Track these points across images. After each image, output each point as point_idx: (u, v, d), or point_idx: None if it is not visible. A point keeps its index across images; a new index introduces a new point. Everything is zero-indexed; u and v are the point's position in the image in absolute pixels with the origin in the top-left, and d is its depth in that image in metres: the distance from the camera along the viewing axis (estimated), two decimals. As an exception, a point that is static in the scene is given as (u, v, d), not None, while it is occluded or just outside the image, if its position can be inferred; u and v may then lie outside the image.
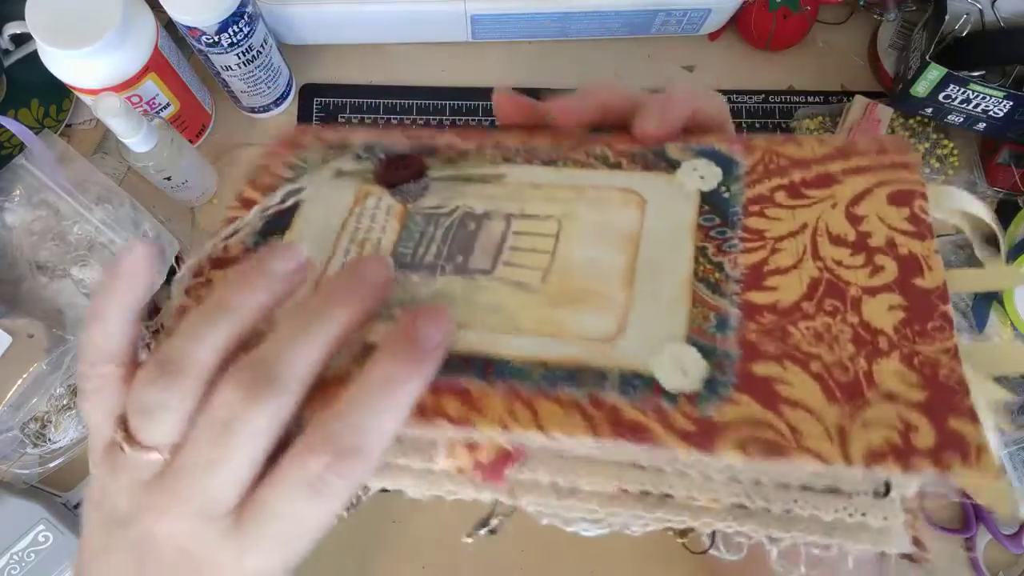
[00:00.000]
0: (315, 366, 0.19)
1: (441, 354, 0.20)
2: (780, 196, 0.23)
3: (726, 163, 0.24)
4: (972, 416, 0.18)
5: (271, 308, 0.21)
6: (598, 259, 0.22)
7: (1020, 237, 0.56)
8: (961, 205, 0.24)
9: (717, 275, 0.21)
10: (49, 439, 0.51)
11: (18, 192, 0.51)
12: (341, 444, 0.18)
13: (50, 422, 0.51)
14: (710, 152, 0.25)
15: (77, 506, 0.53)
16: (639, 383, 0.19)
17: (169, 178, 0.53)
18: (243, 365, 0.19)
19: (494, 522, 0.23)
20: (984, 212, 0.24)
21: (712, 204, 0.23)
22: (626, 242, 0.22)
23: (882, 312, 0.20)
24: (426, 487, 0.22)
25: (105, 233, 0.51)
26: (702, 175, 0.24)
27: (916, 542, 0.20)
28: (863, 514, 0.19)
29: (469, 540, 0.23)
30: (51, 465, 0.51)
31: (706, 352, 0.20)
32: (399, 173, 0.25)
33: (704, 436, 0.18)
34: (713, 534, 0.21)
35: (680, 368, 0.19)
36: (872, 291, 0.20)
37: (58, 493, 0.52)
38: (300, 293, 0.22)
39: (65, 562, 0.51)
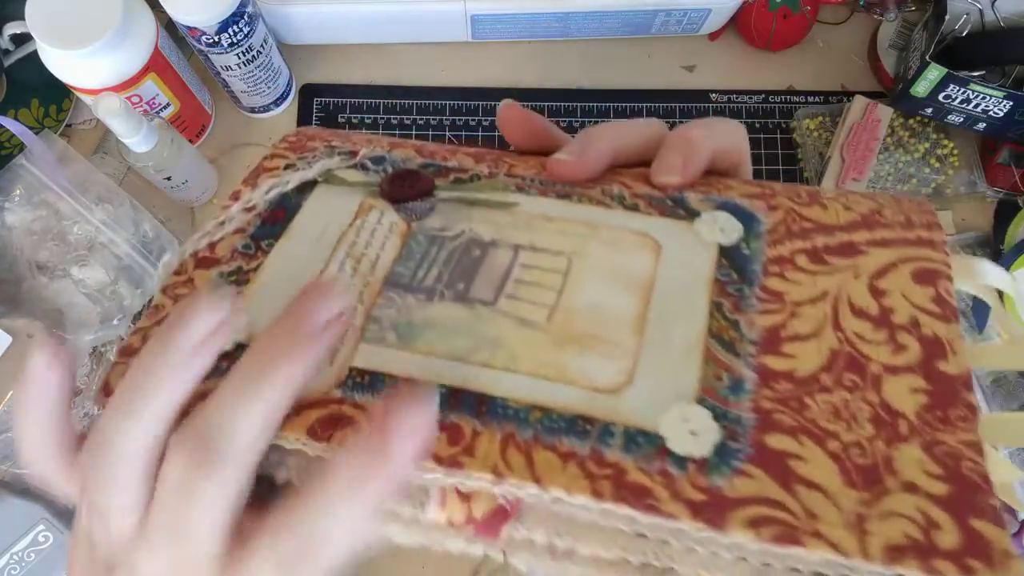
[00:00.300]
0: (265, 432, 0.18)
1: (330, 338, 0.19)
2: (802, 260, 0.22)
3: (747, 219, 0.23)
4: (997, 518, 0.17)
5: (198, 380, 0.19)
6: (608, 302, 0.21)
7: (1020, 237, 0.56)
8: (987, 280, 0.23)
9: (732, 334, 0.20)
10: (49, 439, 0.51)
11: (18, 192, 0.51)
12: (202, 446, 0.17)
13: (50, 422, 0.51)
14: (732, 206, 0.23)
15: (77, 506, 0.53)
16: (644, 442, 0.18)
17: (169, 178, 0.53)
18: (185, 434, 0.18)
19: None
20: (1008, 284, 0.24)
21: (731, 259, 0.22)
22: (638, 288, 0.21)
23: (904, 394, 0.19)
24: (415, 536, 0.20)
25: (105, 233, 0.51)
26: (722, 228, 0.23)
27: None
28: None
29: None
30: (51, 465, 0.51)
31: (717, 415, 0.18)
32: (407, 190, 0.24)
33: (714, 510, 0.17)
34: None
35: (690, 430, 0.18)
36: (894, 370, 0.19)
37: (58, 493, 0.52)
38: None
39: (65, 562, 0.51)
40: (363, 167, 0.25)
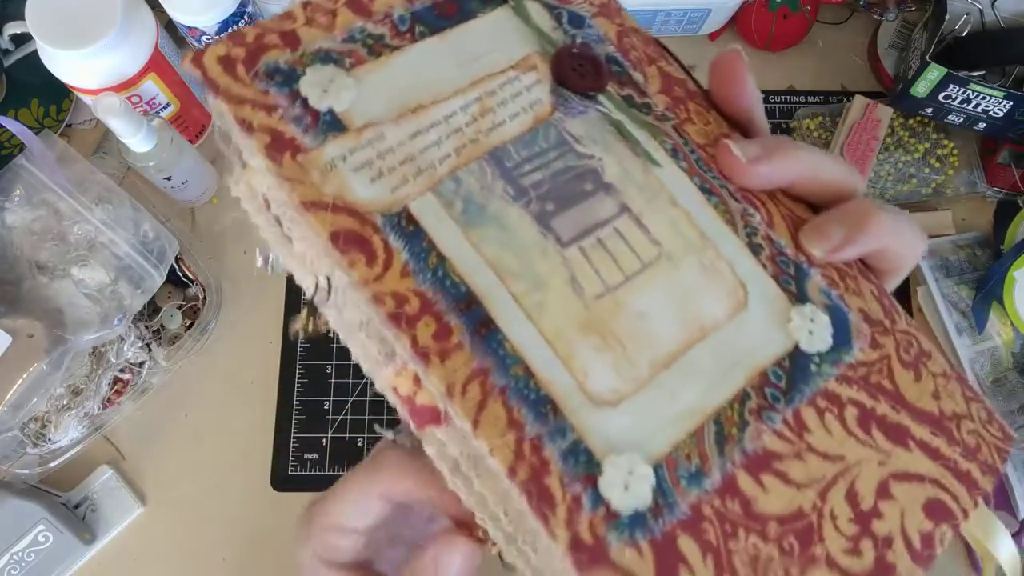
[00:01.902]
0: None
1: None
2: (850, 414, 0.20)
3: (842, 341, 0.21)
4: None
5: None
6: (658, 322, 0.19)
7: (1020, 237, 0.56)
8: (997, 551, 0.22)
9: (733, 432, 0.19)
10: (49, 439, 0.51)
11: (18, 192, 0.51)
12: None
13: (50, 422, 0.51)
14: (840, 318, 0.21)
15: (77, 506, 0.53)
16: (582, 462, 0.17)
17: (169, 178, 0.53)
18: None
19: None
20: (1011, 566, 0.23)
21: (793, 365, 0.20)
22: (695, 328, 0.20)
23: None
24: (365, 364, 0.20)
25: (105, 233, 0.51)
26: (812, 331, 0.20)
27: None
28: None
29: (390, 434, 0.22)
30: (51, 465, 0.51)
31: (660, 487, 0.18)
32: (576, 79, 0.21)
33: (589, 558, 0.16)
34: None
35: (626, 483, 0.17)
36: (832, 565, 0.19)
37: (58, 493, 0.52)
38: None
39: (65, 562, 0.51)
40: (558, 16, 0.22)
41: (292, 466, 0.54)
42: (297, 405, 0.55)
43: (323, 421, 0.55)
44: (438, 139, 0.20)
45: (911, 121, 0.60)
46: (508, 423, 0.17)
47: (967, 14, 0.56)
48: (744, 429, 0.19)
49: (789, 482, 0.19)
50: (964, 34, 0.56)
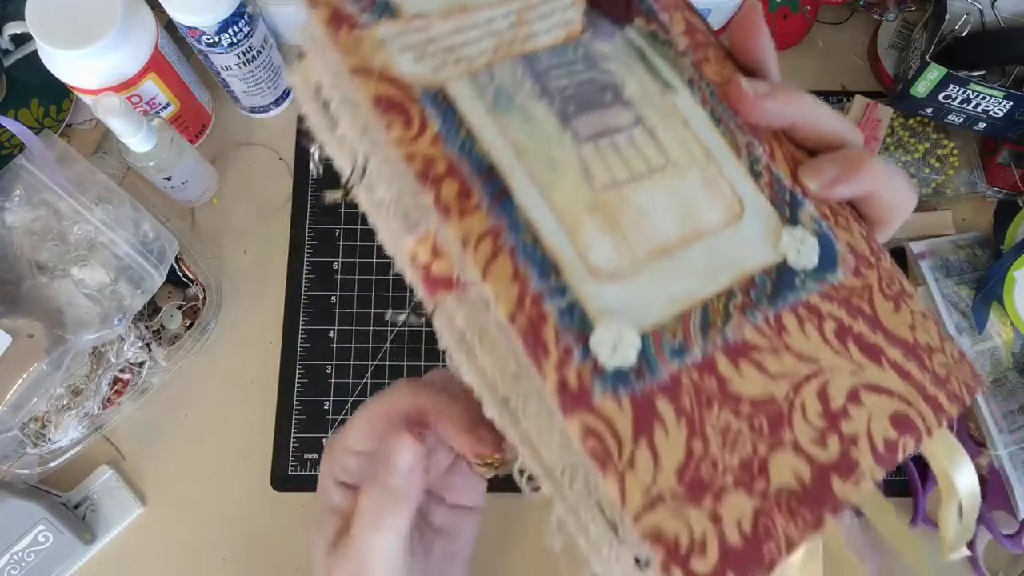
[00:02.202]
0: None
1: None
2: (828, 327, 0.22)
3: (827, 263, 0.23)
4: None
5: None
6: (658, 217, 0.21)
7: (1020, 237, 0.56)
8: (957, 477, 0.23)
9: (718, 322, 0.21)
10: (49, 439, 0.51)
11: (18, 192, 0.51)
12: None
13: (50, 422, 0.51)
14: (827, 244, 0.23)
15: (77, 506, 0.53)
16: (577, 320, 0.19)
17: (169, 178, 0.53)
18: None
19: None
20: (969, 499, 0.23)
21: (779, 277, 0.22)
22: (691, 230, 0.21)
23: (784, 467, 0.20)
24: (388, 241, 0.22)
25: (105, 233, 0.51)
26: (800, 250, 0.22)
27: None
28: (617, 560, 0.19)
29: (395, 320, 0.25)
30: (51, 465, 0.51)
31: (646, 355, 0.19)
32: (609, 7, 0.23)
33: (572, 399, 0.18)
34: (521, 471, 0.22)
35: (615, 343, 0.19)
36: (797, 449, 0.20)
37: (58, 493, 0.52)
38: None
39: (65, 562, 0.51)
40: None
41: (292, 466, 0.54)
42: (297, 405, 0.55)
43: (323, 421, 0.55)
44: (478, 37, 0.22)
45: (911, 121, 0.60)
46: (513, 277, 0.19)
47: (967, 14, 0.56)
48: (727, 320, 0.21)
49: (764, 371, 0.21)
50: (964, 34, 0.56)
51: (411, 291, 0.24)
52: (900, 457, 0.21)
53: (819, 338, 0.22)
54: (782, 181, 0.23)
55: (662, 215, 0.21)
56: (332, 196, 0.23)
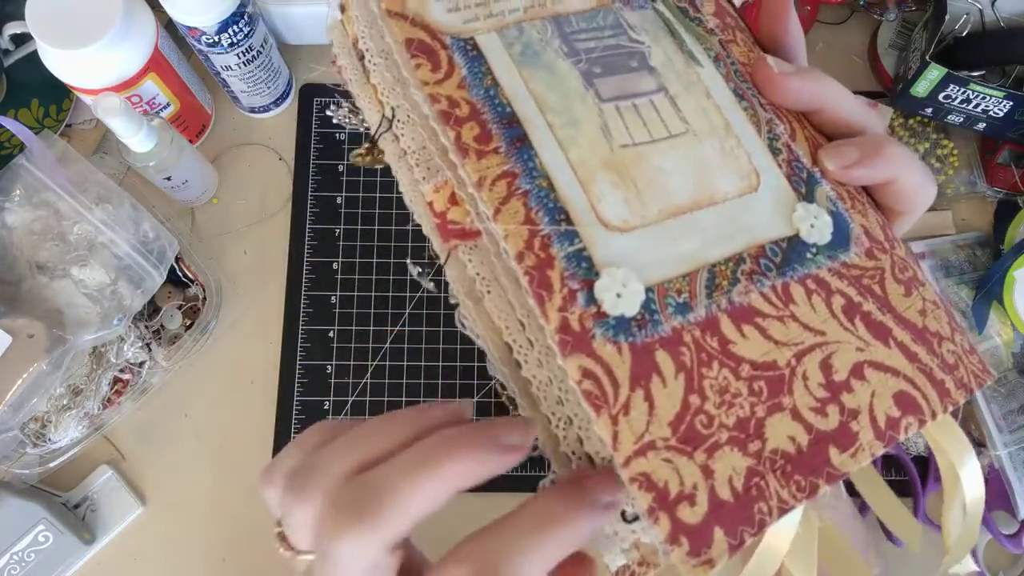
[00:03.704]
0: (421, 508, 0.18)
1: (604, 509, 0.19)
2: (836, 302, 0.22)
3: (840, 242, 0.22)
4: (742, 535, 0.18)
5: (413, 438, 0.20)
6: (674, 177, 0.22)
7: (1020, 237, 0.56)
8: (962, 468, 0.23)
9: (724, 285, 0.21)
10: (49, 439, 0.51)
11: (18, 192, 0.51)
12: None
13: (50, 422, 0.51)
14: (842, 224, 0.23)
15: (77, 506, 0.53)
16: (583, 266, 0.19)
17: (169, 178, 0.53)
18: (350, 486, 0.19)
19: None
20: (974, 498, 0.23)
21: (790, 249, 0.22)
22: (706, 195, 0.22)
23: (779, 431, 0.20)
24: (408, 189, 0.22)
25: (105, 233, 0.51)
26: (813, 226, 0.22)
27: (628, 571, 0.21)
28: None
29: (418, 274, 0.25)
30: (51, 465, 0.51)
31: (649, 307, 0.20)
32: None
33: (573, 342, 0.19)
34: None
35: (619, 292, 0.19)
36: (796, 415, 0.20)
37: (58, 493, 0.52)
38: None
39: (65, 562, 0.51)
40: None
41: (292, 466, 0.54)
42: (297, 405, 0.55)
43: (323, 421, 0.55)
44: None
45: (911, 121, 0.60)
46: (525, 219, 0.20)
47: (967, 14, 0.56)
48: (734, 284, 0.21)
49: (768, 337, 0.21)
50: (964, 34, 0.56)
51: (411, 291, 0.24)
52: (901, 436, 0.21)
53: (827, 311, 0.22)
54: (801, 160, 0.24)
55: (677, 177, 0.22)
56: (356, 153, 0.24)
